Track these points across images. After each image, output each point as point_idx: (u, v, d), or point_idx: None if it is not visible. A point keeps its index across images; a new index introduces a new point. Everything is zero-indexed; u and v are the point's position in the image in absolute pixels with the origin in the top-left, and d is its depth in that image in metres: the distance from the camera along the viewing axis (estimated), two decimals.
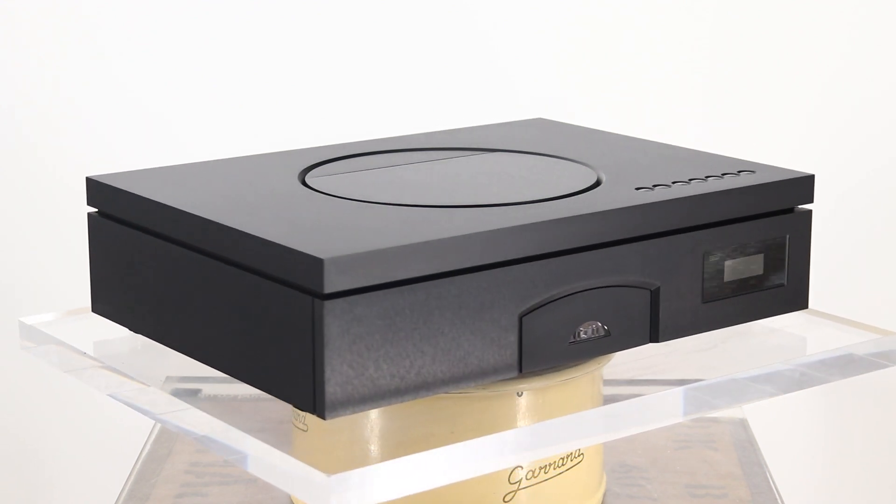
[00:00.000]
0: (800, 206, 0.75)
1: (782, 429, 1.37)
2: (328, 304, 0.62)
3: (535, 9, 1.31)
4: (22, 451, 1.34)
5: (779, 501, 0.83)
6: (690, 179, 0.74)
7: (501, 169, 0.78)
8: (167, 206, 0.70)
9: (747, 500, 0.83)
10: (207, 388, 0.84)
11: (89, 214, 0.76)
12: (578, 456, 0.75)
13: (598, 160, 0.79)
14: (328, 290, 0.62)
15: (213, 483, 0.85)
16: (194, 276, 0.69)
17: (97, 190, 0.75)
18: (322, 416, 0.63)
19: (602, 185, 0.74)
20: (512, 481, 0.73)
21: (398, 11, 1.30)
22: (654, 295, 0.71)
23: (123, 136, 1.29)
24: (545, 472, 0.74)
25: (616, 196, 0.71)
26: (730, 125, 1.35)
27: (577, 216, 0.68)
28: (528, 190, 0.73)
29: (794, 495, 1.32)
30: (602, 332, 0.70)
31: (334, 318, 0.62)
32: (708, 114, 1.35)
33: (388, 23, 1.31)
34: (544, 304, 0.68)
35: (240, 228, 0.66)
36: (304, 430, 0.74)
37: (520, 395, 0.72)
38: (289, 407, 0.73)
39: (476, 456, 0.65)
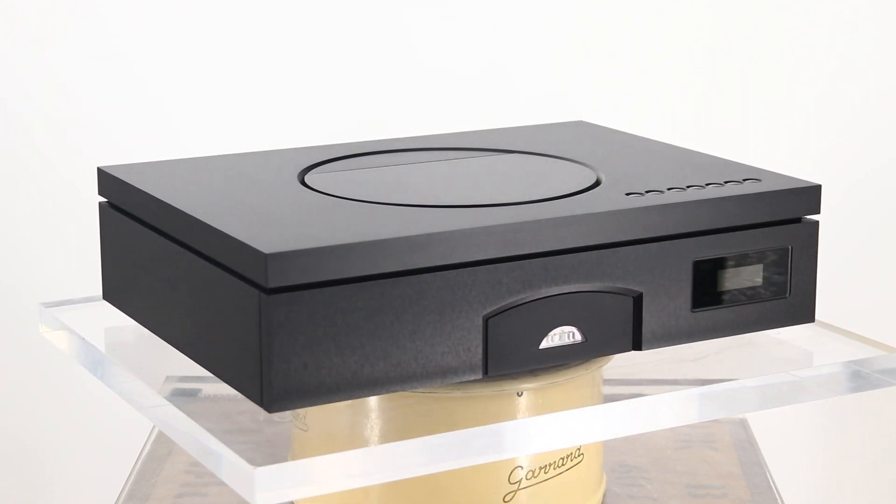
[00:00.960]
0: (806, 217, 0.73)
1: (782, 429, 1.37)
2: (272, 298, 0.62)
3: (535, 9, 1.31)
4: (22, 451, 1.34)
5: (779, 501, 0.83)
6: (688, 186, 0.72)
7: (503, 170, 0.77)
8: (155, 198, 0.71)
9: (747, 500, 0.83)
10: (207, 388, 0.84)
11: (100, 204, 0.77)
12: (578, 456, 0.75)
13: (609, 164, 0.77)
14: (272, 284, 0.62)
15: (213, 483, 0.85)
16: (174, 266, 0.70)
17: (106, 180, 0.76)
18: (268, 409, 0.63)
19: (595, 189, 0.72)
20: (512, 481, 0.73)
21: (397, 12, 1.30)
22: (637, 302, 0.70)
23: (128, 135, 1.29)
24: (545, 472, 0.74)
25: (600, 201, 0.70)
26: (729, 125, 1.35)
27: (548, 220, 0.67)
28: (519, 192, 0.72)
29: (794, 495, 1.32)
30: (578, 338, 0.69)
31: (279, 313, 0.62)
32: (707, 114, 1.35)
33: (388, 23, 1.31)
34: (512, 308, 0.67)
35: (204, 220, 0.66)
36: (303, 431, 0.74)
37: (520, 395, 0.71)
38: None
39: (405, 456, 0.65)
